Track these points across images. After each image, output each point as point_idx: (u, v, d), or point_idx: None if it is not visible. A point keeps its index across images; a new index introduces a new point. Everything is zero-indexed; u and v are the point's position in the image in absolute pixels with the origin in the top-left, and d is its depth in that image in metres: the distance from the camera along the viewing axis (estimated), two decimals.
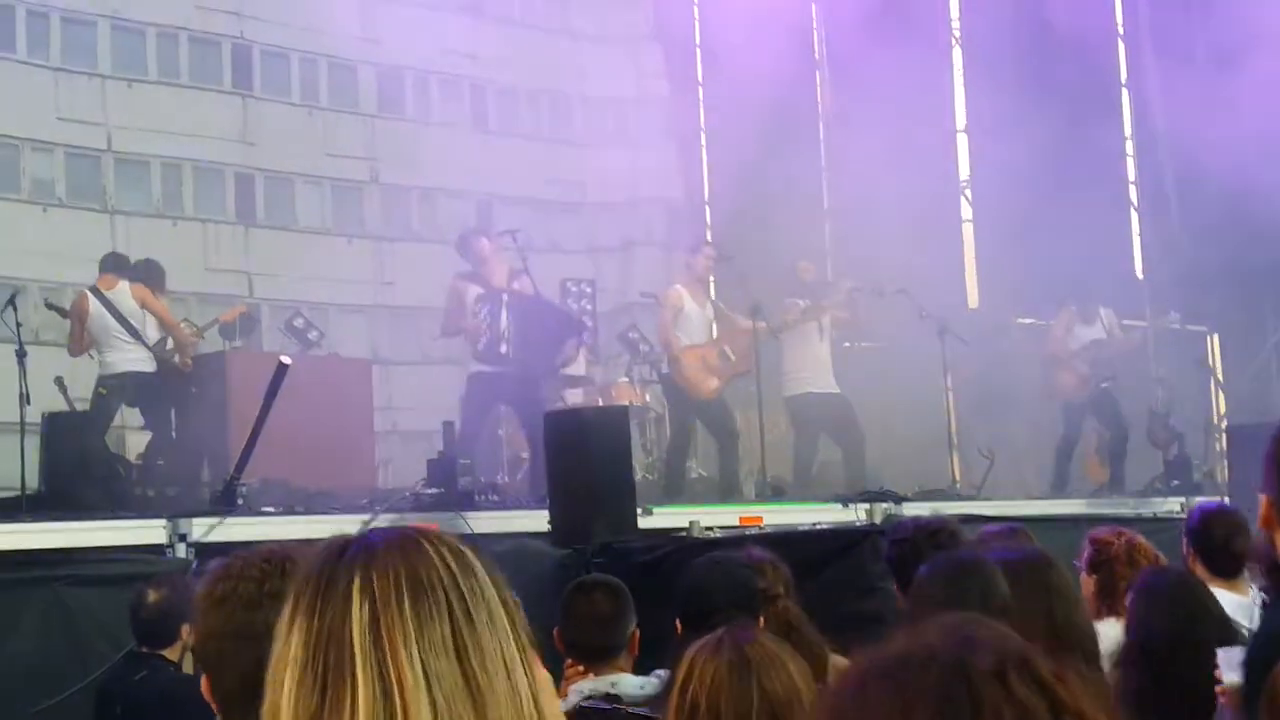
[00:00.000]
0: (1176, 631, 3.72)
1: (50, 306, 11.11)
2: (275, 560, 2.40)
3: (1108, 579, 4.65)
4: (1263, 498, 2.95)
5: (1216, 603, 3.89)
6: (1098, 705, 1.23)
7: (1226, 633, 3.77)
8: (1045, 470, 12.58)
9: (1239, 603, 4.25)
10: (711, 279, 11.60)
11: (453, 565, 1.48)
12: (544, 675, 1.55)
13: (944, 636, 1.24)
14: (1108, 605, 4.58)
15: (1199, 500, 9.77)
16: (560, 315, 10.96)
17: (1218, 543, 4.81)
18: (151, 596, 5.13)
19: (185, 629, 4.99)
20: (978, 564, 3.43)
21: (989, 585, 3.32)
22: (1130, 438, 12.14)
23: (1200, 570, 4.85)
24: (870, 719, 1.21)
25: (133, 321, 10.15)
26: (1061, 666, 1.23)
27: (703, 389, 10.65)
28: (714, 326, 10.97)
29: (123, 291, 10.21)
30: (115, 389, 10.11)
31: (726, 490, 10.73)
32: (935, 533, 3.89)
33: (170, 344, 10.48)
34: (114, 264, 10.51)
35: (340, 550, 1.51)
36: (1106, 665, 3.82)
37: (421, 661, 1.42)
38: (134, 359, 10.14)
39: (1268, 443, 2.97)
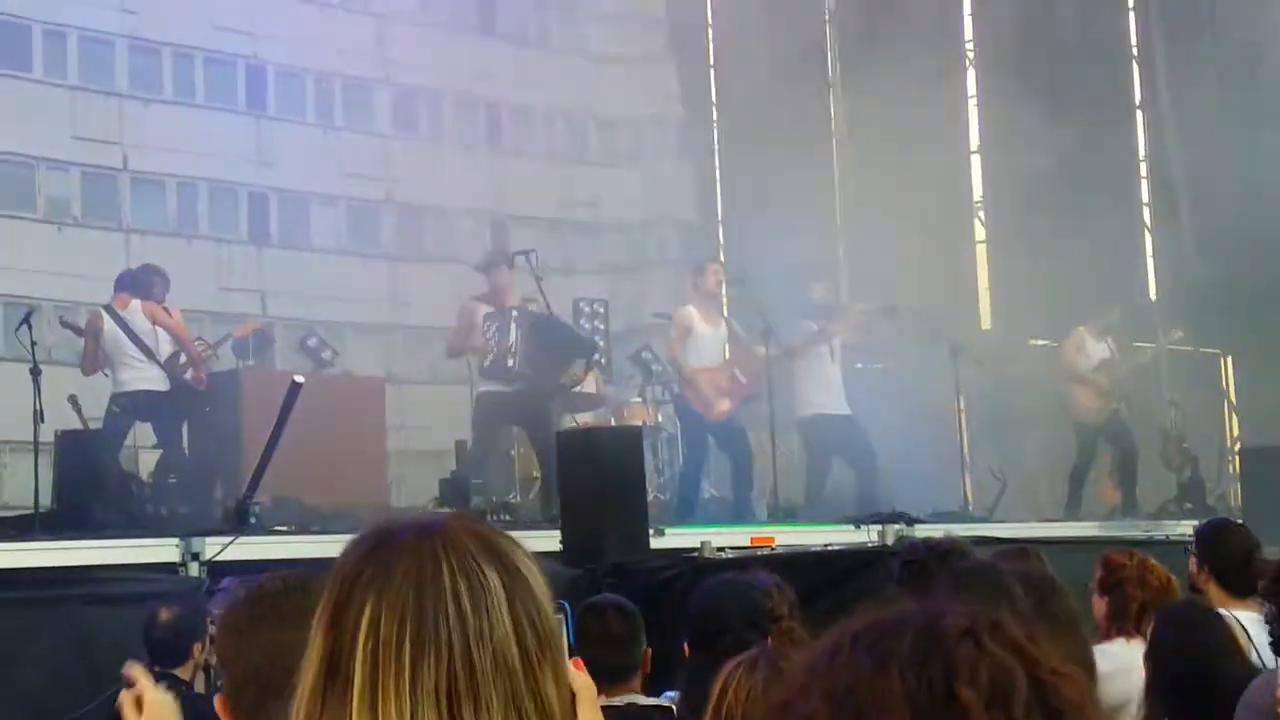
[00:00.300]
0: (1200, 664, 3.69)
1: (65, 325, 11.14)
2: (297, 574, 2.45)
3: (1119, 600, 4.63)
4: None
5: (1232, 634, 3.86)
6: (1073, 666, 1.23)
7: (1246, 666, 3.74)
8: (1058, 492, 12.55)
9: (1257, 619, 4.18)
10: (724, 297, 11.56)
11: (465, 602, 1.46)
12: (582, 684, 1.55)
13: (915, 607, 1.25)
14: (1118, 626, 4.57)
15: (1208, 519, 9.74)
16: (571, 334, 10.93)
17: (1237, 560, 4.77)
18: (164, 615, 5.13)
19: (198, 647, 5.01)
20: (989, 569, 3.40)
21: (1009, 594, 3.30)
22: (1141, 460, 12.10)
23: (1214, 589, 4.81)
24: (844, 684, 1.21)
25: (145, 340, 10.17)
26: (1034, 629, 1.24)
27: (714, 411, 10.65)
28: (726, 347, 10.95)
29: (135, 310, 10.23)
30: (128, 407, 10.13)
31: (739, 511, 10.71)
32: (946, 553, 3.88)
33: (183, 359, 10.50)
34: (129, 283, 10.53)
35: (363, 559, 1.50)
36: (1109, 687, 3.81)
37: (411, 712, 1.42)
38: (147, 378, 10.15)
39: None
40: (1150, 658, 3.83)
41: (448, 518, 1.55)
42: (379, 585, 1.47)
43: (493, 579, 1.48)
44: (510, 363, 9.91)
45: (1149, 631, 4.04)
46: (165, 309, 10.43)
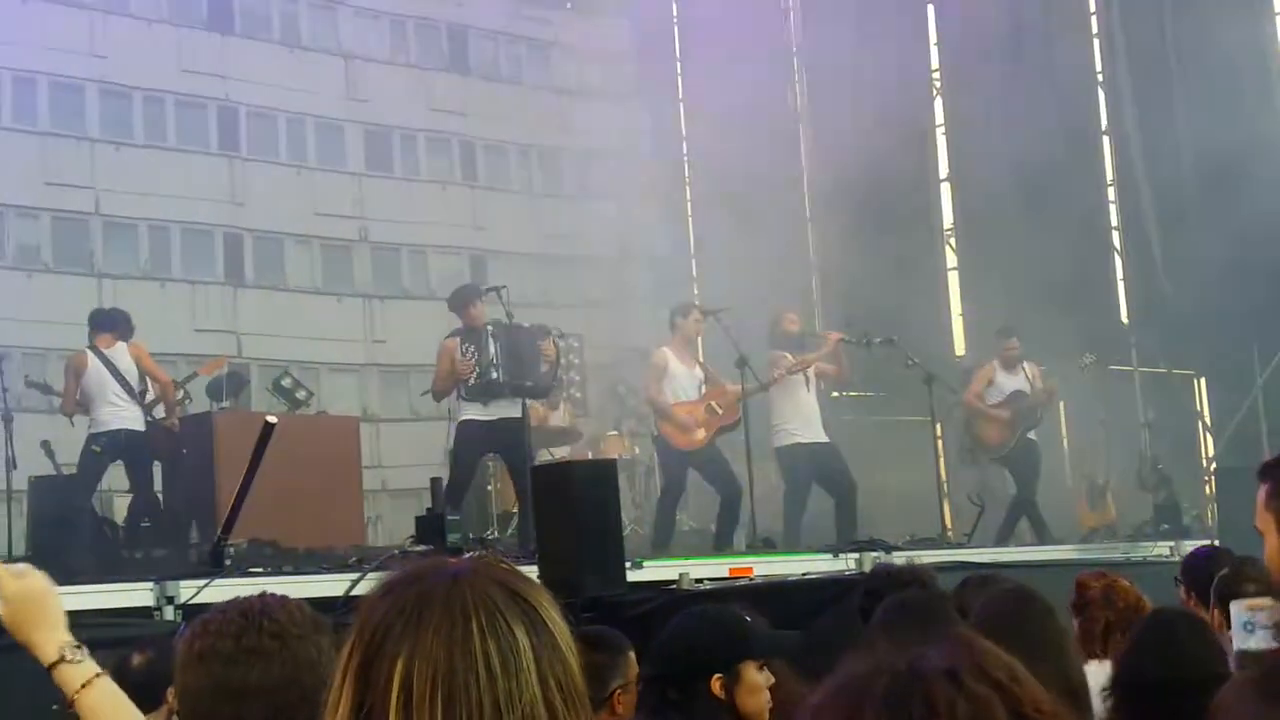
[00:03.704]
0: (1167, 670, 3.65)
1: (31, 384, 11.12)
2: (252, 615, 2.41)
3: (1086, 621, 4.65)
4: None
5: (1214, 642, 3.83)
6: (1060, 707, 1.22)
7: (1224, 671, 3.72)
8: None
9: None
10: (700, 340, 11.53)
11: (495, 664, 1.46)
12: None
13: (895, 652, 1.25)
14: (1086, 648, 4.58)
15: (1190, 545, 9.78)
16: (533, 331, 10.77)
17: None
18: (136, 660, 5.07)
19: (171, 692, 4.96)
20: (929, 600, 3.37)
21: (948, 622, 3.29)
22: (1117, 482, 12.10)
23: (1203, 614, 4.83)
24: None
25: (129, 379, 10.15)
26: (1016, 670, 1.23)
27: (689, 439, 10.64)
28: (702, 387, 10.94)
29: (120, 350, 10.22)
30: (109, 446, 10.06)
31: (719, 542, 10.68)
32: (907, 583, 3.87)
33: (150, 397, 10.46)
34: (108, 323, 10.50)
35: (393, 611, 1.50)
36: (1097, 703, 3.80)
37: None
38: (127, 417, 10.11)
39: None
40: (1122, 660, 3.81)
41: (475, 565, 1.55)
42: (410, 641, 1.47)
43: (522, 640, 1.48)
44: (494, 374, 9.93)
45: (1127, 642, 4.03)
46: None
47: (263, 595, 2.52)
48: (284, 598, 2.52)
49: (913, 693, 1.19)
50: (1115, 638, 4.34)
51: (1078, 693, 3.44)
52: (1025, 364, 11.92)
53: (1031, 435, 11.86)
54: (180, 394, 11.30)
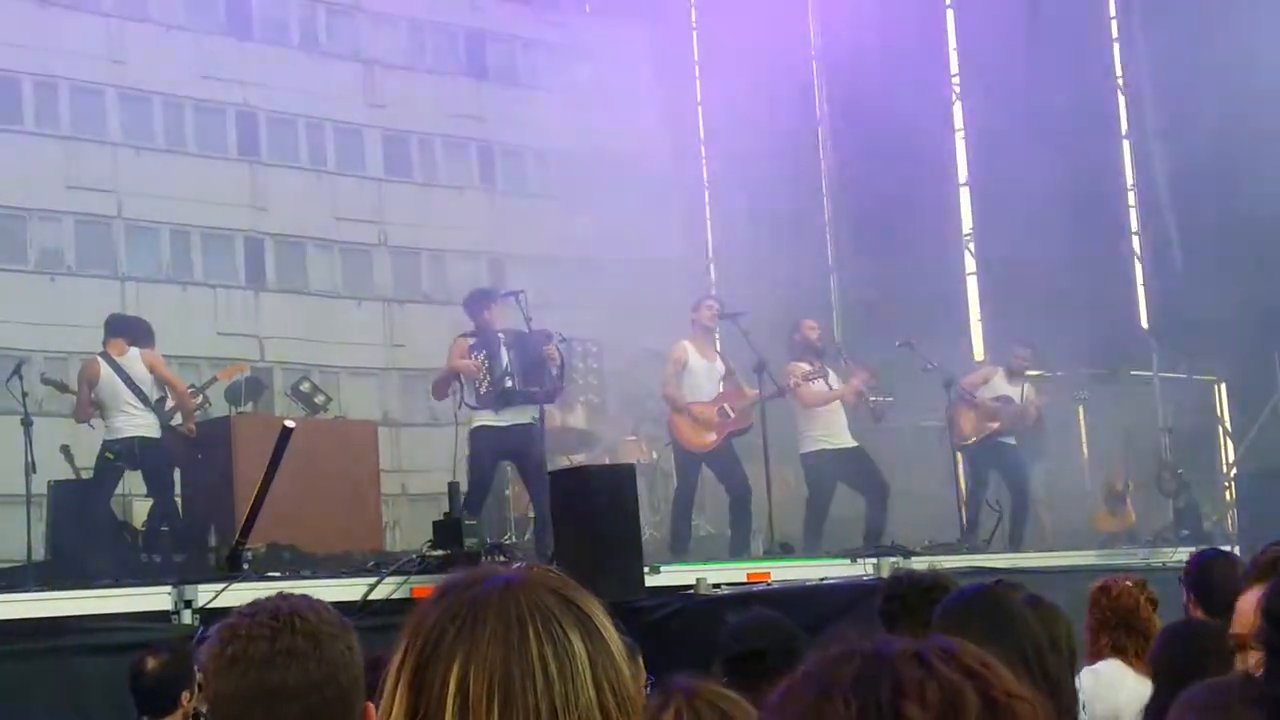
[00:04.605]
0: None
1: (47, 382, 11.14)
2: (284, 616, 2.40)
3: (1089, 622, 4.72)
4: None
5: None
6: (1034, 694, 1.21)
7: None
8: (1058, 522, 12.50)
9: None
10: (718, 333, 11.53)
11: (551, 668, 1.47)
12: None
13: (864, 641, 1.24)
14: (1094, 651, 4.62)
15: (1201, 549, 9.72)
16: (538, 336, 10.73)
17: (1221, 589, 4.80)
18: (150, 664, 5.10)
19: (186, 696, 4.98)
20: (988, 597, 3.35)
21: (1016, 620, 3.24)
22: (1137, 487, 12.04)
23: (1199, 616, 4.85)
24: (793, 716, 1.20)
25: (143, 388, 10.15)
26: (987, 658, 1.22)
27: (698, 443, 10.62)
28: (722, 383, 10.91)
29: (134, 358, 10.19)
30: (123, 453, 10.07)
31: (736, 546, 10.65)
32: (929, 589, 3.84)
33: (169, 404, 10.48)
34: (123, 329, 10.49)
35: (447, 616, 1.50)
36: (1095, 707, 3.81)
37: None
38: (141, 425, 10.10)
39: None
40: (1154, 677, 3.83)
41: (527, 573, 1.56)
42: (466, 645, 1.48)
43: (577, 645, 1.50)
44: (509, 383, 9.90)
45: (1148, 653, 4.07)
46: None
47: (284, 596, 2.51)
48: (307, 597, 2.51)
49: (881, 676, 1.18)
50: (1106, 640, 4.42)
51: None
52: (1027, 382, 11.84)
53: (1010, 440, 11.75)
54: (200, 399, 11.31)
